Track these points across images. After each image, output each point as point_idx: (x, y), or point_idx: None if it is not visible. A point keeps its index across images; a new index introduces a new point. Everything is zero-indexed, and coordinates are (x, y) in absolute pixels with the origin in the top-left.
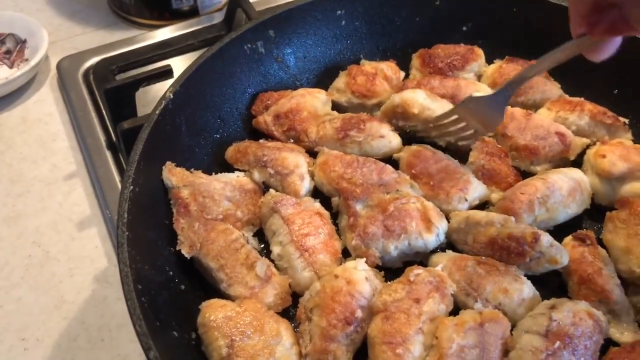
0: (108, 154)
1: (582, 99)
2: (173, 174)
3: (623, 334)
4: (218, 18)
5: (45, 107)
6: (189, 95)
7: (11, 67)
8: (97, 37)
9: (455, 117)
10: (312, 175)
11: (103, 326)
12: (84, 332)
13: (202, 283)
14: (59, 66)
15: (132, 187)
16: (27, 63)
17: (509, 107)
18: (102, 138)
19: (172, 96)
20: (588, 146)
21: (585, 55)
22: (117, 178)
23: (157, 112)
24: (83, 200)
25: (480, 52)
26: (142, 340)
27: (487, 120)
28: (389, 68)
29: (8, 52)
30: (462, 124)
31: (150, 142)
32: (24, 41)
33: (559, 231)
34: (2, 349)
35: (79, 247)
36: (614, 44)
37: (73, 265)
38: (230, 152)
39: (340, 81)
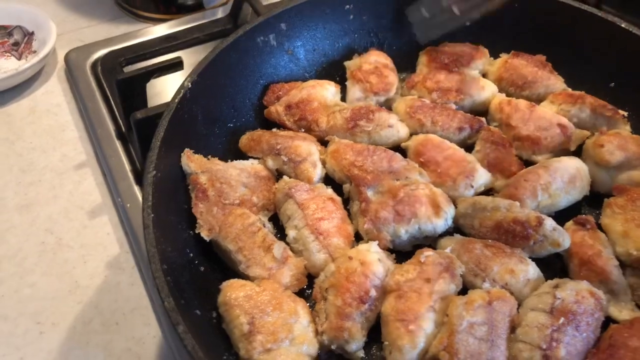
0: (118, 144)
1: (583, 92)
2: (192, 160)
3: (621, 312)
4: (222, 12)
5: (53, 98)
6: (205, 85)
7: (19, 58)
8: (102, 30)
9: None
10: (323, 163)
11: (117, 310)
12: (98, 316)
13: (220, 265)
14: (67, 58)
15: (154, 172)
16: (35, 55)
17: (514, 98)
18: (111, 128)
19: (190, 85)
20: (588, 137)
21: None
22: (127, 167)
23: (177, 100)
24: (94, 189)
25: (485, 51)
26: (172, 315)
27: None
28: (379, 57)
29: (16, 44)
30: None
31: (170, 129)
32: (32, 33)
33: (561, 217)
34: (18, 333)
35: (91, 234)
36: None
37: (86, 252)
38: (244, 140)
39: (355, 90)
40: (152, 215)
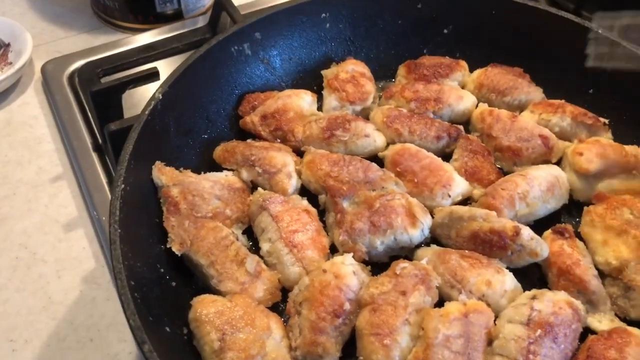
0: (94, 156)
1: (563, 101)
2: (163, 173)
3: (601, 322)
4: (202, 21)
5: (30, 110)
6: (177, 96)
7: None
8: (80, 40)
9: None
10: (299, 174)
11: (92, 326)
12: (73, 333)
13: (192, 280)
14: (43, 69)
15: (123, 186)
16: (11, 66)
17: (496, 109)
18: (88, 140)
19: (161, 97)
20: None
21: None
22: (103, 180)
23: (147, 112)
24: (69, 202)
25: (464, 64)
26: (137, 334)
27: None
28: (357, 65)
29: None
30: None
31: (140, 141)
32: (8, 45)
33: (539, 226)
34: None
35: (67, 248)
36: None
37: (61, 266)
38: (218, 151)
39: (331, 99)
40: (119, 230)
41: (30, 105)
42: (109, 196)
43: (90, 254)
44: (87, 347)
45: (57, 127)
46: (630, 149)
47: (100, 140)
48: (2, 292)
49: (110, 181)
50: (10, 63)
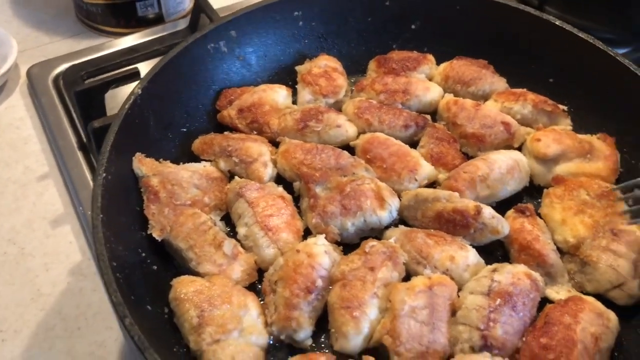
0: (80, 155)
1: (525, 90)
2: (143, 164)
3: (558, 293)
4: (183, 24)
5: (16, 112)
6: (156, 92)
7: None
8: (65, 45)
9: None
10: (274, 163)
11: (79, 315)
12: (61, 322)
13: (172, 264)
14: (29, 73)
15: (104, 175)
16: None
17: (460, 98)
18: (73, 140)
19: (140, 92)
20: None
21: None
22: (89, 177)
23: (127, 106)
24: (56, 200)
25: (431, 57)
26: (119, 309)
27: None
28: (329, 61)
29: None
30: None
31: (121, 134)
32: None
33: (503, 207)
34: None
35: (54, 243)
36: None
37: (48, 260)
38: (197, 144)
39: (305, 93)
40: (101, 215)
41: (17, 107)
42: None
43: (77, 248)
44: (75, 335)
45: (43, 128)
46: (583, 137)
47: (84, 139)
48: None
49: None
50: None
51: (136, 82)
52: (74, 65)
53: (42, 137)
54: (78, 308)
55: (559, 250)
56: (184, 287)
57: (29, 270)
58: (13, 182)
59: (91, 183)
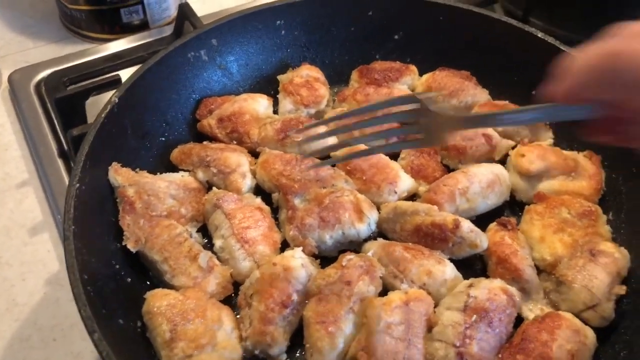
0: (60, 162)
1: (507, 102)
2: (119, 174)
3: (532, 310)
4: (168, 31)
5: None
6: (134, 100)
7: None
8: (49, 50)
9: (401, 108)
10: (253, 174)
11: (55, 326)
12: (37, 333)
13: (147, 276)
14: (10, 79)
15: (78, 185)
16: None
17: None
18: (54, 147)
19: (117, 100)
20: (512, 147)
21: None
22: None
23: (103, 115)
24: (35, 207)
25: (414, 68)
26: (87, 323)
27: (432, 133)
28: (311, 71)
29: None
30: (408, 121)
31: (97, 143)
32: None
33: (482, 221)
34: None
35: (31, 252)
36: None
37: (25, 269)
38: (175, 153)
39: (286, 103)
40: (73, 227)
41: None
42: None
43: (55, 257)
44: (51, 346)
45: (23, 135)
46: (569, 153)
47: (65, 147)
48: None
49: None
50: None
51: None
52: (56, 71)
53: (23, 144)
54: (54, 318)
55: (536, 267)
56: (157, 301)
57: (5, 279)
58: None
59: None
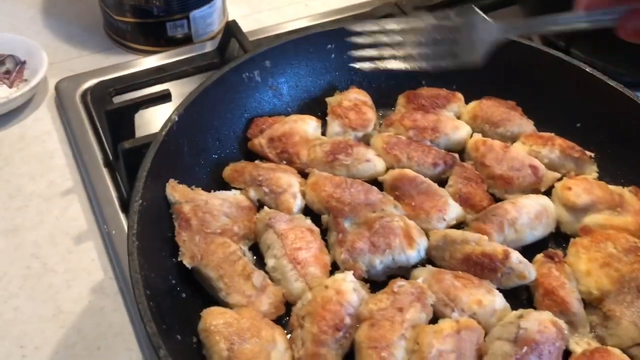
0: (105, 172)
1: (553, 134)
2: (176, 190)
3: (578, 344)
4: (210, 46)
5: (43, 125)
6: (191, 119)
7: (10, 86)
8: (93, 60)
9: (435, 25)
10: (303, 195)
11: (99, 335)
12: (81, 341)
13: (201, 292)
14: (57, 87)
15: (140, 201)
16: (27, 83)
17: (489, 139)
18: (99, 156)
19: (177, 119)
20: (558, 179)
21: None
22: (113, 194)
23: (164, 133)
24: (80, 215)
25: (460, 96)
26: (154, 340)
27: (468, 48)
28: (359, 94)
29: (7, 72)
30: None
31: (156, 160)
32: (24, 62)
33: (528, 252)
34: (1, 356)
35: (76, 259)
36: None
37: (70, 277)
38: (228, 171)
39: (334, 125)
40: (137, 242)
41: (44, 121)
42: (119, 211)
43: (99, 266)
44: (95, 355)
45: (68, 143)
46: (615, 188)
47: (111, 157)
48: (14, 300)
49: (120, 196)
50: (26, 80)
51: (166, 104)
52: (102, 82)
53: (68, 152)
54: (98, 327)
55: (582, 301)
56: (213, 319)
57: (51, 286)
58: (37, 195)
59: (116, 201)
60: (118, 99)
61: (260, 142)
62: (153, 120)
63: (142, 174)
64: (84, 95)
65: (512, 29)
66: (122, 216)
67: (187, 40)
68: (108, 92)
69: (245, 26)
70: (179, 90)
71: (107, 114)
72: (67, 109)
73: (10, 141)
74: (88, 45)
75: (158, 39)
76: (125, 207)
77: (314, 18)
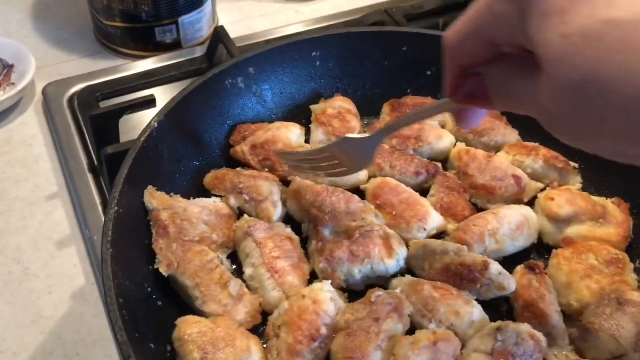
0: (90, 177)
1: (537, 144)
2: (154, 198)
3: (557, 357)
4: (199, 51)
5: (29, 129)
6: (172, 125)
7: None
8: (82, 64)
9: (327, 154)
10: (284, 203)
11: (79, 342)
12: (60, 347)
13: (177, 300)
14: (44, 91)
15: (116, 208)
16: (14, 87)
17: (472, 148)
18: (84, 161)
19: (156, 125)
20: (541, 190)
21: (455, 120)
22: (97, 200)
23: (142, 139)
24: (63, 220)
25: None
26: (124, 349)
27: (359, 160)
28: (344, 102)
29: None
30: (335, 162)
31: (134, 167)
32: (12, 66)
33: (510, 262)
34: None
35: (58, 265)
36: (479, 115)
37: (52, 282)
38: (209, 178)
39: (318, 133)
40: (111, 250)
41: (30, 125)
42: (102, 216)
43: (81, 271)
44: None
45: (54, 147)
46: (598, 200)
47: (96, 162)
48: None
49: (104, 202)
50: (13, 84)
51: (151, 109)
52: (89, 86)
53: (54, 156)
54: (78, 334)
55: (562, 313)
56: (188, 328)
57: (32, 291)
58: (22, 200)
59: (99, 207)
60: (105, 104)
61: (242, 149)
62: (138, 126)
63: (119, 181)
64: (71, 100)
65: (385, 131)
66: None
67: (176, 45)
68: (95, 97)
69: (236, 32)
70: (167, 95)
71: (91, 119)
72: (54, 113)
73: None
74: (77, 50)
75: (147, 44)
76: None
77: (305, 25)
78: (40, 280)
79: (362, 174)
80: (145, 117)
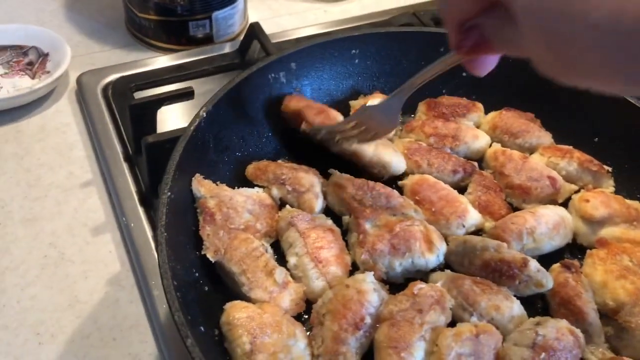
0: (125, 165)
1: (571, 147)
2: (202, 185)
3: (594, 354)
4: (229, 47)
5: (63, 117)
6: (218, 116)
7: (33, 78)
8: (114, 55)
9: (354, 122)
10: (325, 195)
11: (115, 326)
12: (97, 331)
13: (223, 286)
14: (79, 80)
15: (169, 194)
16: (49, 75)
17: (508, 149)
18: (119, 150)
19: (205, 115)
20: (575, 192)
21: (467, 69)
22: (132, 188)
23: (192, 128)
24: (98, 207)
25: (480, 106)
26: (181, 329)
27: (384, 124)
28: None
29: (30, 63)
30: (363, 128)
31: (184, 155)
32: (47, 54)
33: (546, 261)
34: (17, 342)
35: (93, 251)
36: (489, 60)
37: (87, 267)
38: (251, 169)
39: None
40: (165, 234)
41: (64, 113)
42: (137, 204)
43: (116, 258)
44: (110, 345)
45: (88, 135)
46: (632, 203)
47: (131, 151)
48: (31, 288)
49: (139, 190)
50: (48, 72)
51: (187, 102)
52: (124, 77)
53: (88, 144)
54: (114, 319)
55: (598, 311)
56: (236, 313)
57: (68, 276)
58: (56, 186)
59: (135, 194)
60: (139, 95)
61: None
62: (172, 117)
63: (171, 168)
64: (105, 90)
65: (401, 92)
66: (140, 209)
67: (207, 40)
68: (129, 88)
69: (266, 29)
70: (199, 88)
71: (130, 108)
72: (88, 102)
73: (31, 131)
74: (109, 41)
75: (179, 38)
76: (144, 200)
77: (333, 24)
78: (76, 266)
79: (401, 165)
80: (178, 109)
